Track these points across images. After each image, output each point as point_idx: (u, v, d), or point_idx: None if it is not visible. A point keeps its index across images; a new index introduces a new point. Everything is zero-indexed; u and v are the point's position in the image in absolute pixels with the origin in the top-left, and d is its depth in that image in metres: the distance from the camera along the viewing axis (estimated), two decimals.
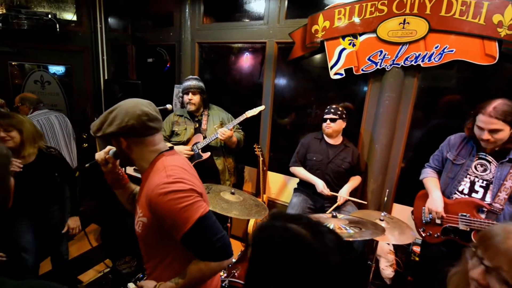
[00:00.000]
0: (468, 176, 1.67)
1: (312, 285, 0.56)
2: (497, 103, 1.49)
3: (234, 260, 1.99)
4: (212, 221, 1.01)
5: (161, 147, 1.11)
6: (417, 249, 2.27)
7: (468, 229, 1.62)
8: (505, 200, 1.53)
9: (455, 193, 1.71)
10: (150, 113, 1.06)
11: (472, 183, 1.66)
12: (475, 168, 1.65)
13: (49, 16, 3.00)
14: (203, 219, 0.98)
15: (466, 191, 1.68)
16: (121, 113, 1.02)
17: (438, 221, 1.73)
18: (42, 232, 2.10)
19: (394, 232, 1.67)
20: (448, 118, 2.30)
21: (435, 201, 1.72)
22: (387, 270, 2.24)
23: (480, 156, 1.64)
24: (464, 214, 1.64)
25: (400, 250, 2.33)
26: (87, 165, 1.22)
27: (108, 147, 1.17)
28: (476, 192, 1.64)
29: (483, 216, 1.59)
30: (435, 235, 1.75)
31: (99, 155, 1.17)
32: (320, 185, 2.23)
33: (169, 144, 2.41)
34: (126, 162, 1.15)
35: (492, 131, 1.50)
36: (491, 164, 1.61)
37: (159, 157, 1.08)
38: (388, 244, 2.35)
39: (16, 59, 3.26)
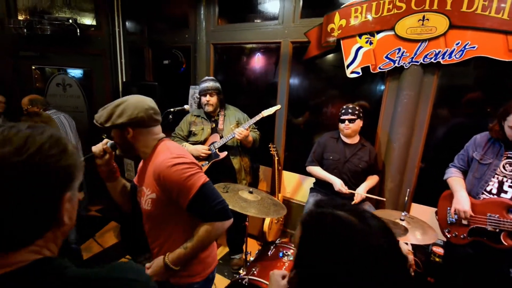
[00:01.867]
0: (496, 176, 1.64)
1: (362, 268, 0.60)
2: None
3: (252, 258, 2.01)
4: (212, 188, 1.18)
5: (161, 135, 1.26)
6: (437, 249, 2.23)
7: (497, 230, 1.58)
8: None
9: (483, 193, 1.67)
10: (155, 107, 1.21)
11: (501, 183, 1.62)
12: (504, 167, 1.62)
13: (70, 21, 3.11)
14: (205, 186, 1.14)
15: (494, 191, 1.64)
16: (130, 107, 1.14)
17: (464, 222, 1.69)
18: None
19: (415, 232, 1.65)
20: (469, 117, 2.24)
21: (462, 201, 1.69)
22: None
23: (508, 155, 1.61)
24: (493, 214, 1.60)
25: (419, 251, 2.29)
26: (81, 159, 1.26)
27: (105, 140, 1.26)
28: (505, 192, 1.61)
29: None
30: (461, 236, 1.72)
31: (97, 147, 1.25)
32: (338, 184, 2.22)
33: (189, 146, 2.46)
34: (129, 151, 1.24)
35: None
36: None
37: (160, 142, 1.23)
38: (407, 244, 2.32)
39: (39, 63, 3.41)
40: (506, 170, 1.61)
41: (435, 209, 1.97)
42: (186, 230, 1.20)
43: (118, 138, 1.19)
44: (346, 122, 2.26)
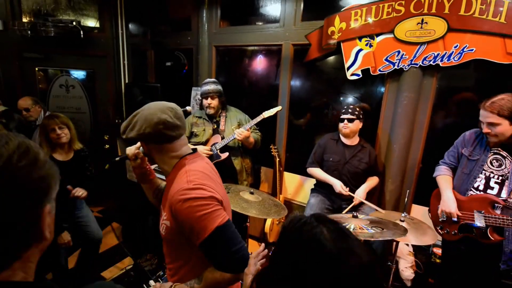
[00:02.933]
0: (483, 171, 1.68)
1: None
2: (496, 98, 1.56)
3: None
4: (231, 231, 0.99)
5: (183, 152, 1.11)
6: (437, 250, 2.24)
7: (484, 226, 1.61)
8: None
9: (471, 190, 1.71)
10: (168, 121, 1.04)
11: (487, 179, 1.67)
12: (491, 163, 1.66)
13: (74, 23, 3.14)
14: (221, 229, 0.96)
15: (481, 187, 1.68)
16: (141, 119, 1.04)
17: (454, 219, 1.73)
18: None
19: (416, 233, 1.67)
20: (468, 118, 2.26)
21: (448, 203, 1.73)
22: (406, 271, 2.23)
23: (494, 151, 1.65)
24: (480, 210, 1.64)
25: (420, 252, 2.31)
26: (117, 158, 1.29)
27: (138, 144, 1.20)
28: (492, 188, 1.65)
29: (498, 212, 1.59)
30: (453, 233, 1.76)
31: (130, 150, 1.22)
32: (338, 185, 2.24)
33: (192, 147, 2.49)
34: (153, 162, 1.20)
35: (490, 125, 1.56)
36: (506, 159, 1.62)
37: (182, 161, 1.09)
38: (408, 245, 2.34)
39: (43, 64, 3.44)
40: (493, 166, 1.66)
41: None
42: (205, 262, 1.04)
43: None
44: (345, 121, 2.29)
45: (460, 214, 1.70)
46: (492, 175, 1.66)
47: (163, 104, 1.09)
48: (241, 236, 1.05)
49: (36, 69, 3.43)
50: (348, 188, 2.25)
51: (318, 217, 0.69)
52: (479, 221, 1.61)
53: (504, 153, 1.63)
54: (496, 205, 1.59)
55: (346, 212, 2.19)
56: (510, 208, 1.56)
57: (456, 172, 1.84)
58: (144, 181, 1.32)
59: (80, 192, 2.11)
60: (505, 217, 1.54)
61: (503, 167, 1.62)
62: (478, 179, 1.70)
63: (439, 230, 1.85)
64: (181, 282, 1.10)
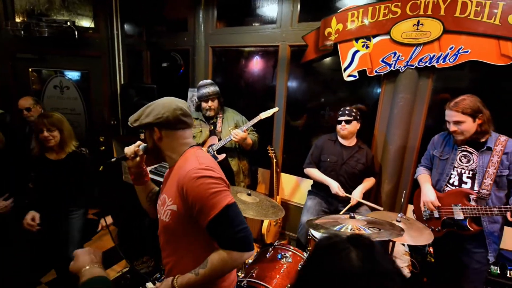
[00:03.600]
0: (455, 168, 1.81)
1: None
2: (459, 99, 1.71)
3: (250, 261, 2.01)
4: (237, 212, 1.05)
5: (191, 141, 1.20)
6: (432, 250, 2.26)
7: (463, 218, 1.74)
8: (490, 186, 1.67)
9: (447, 186, 1.84)
10: (184, 109, 1.15)
11: (460, 175, 1.80)
12: (460, 160, 1.79)
13: (68, 23, 3.11)
14: (229, 207, 1.01)
15: (456, 183, 1.81)
16: (158, 107, 1.12)
17: (436, 215, 1.85)
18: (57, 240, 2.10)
19: (412, 233, 1.68)
20: None
21: (427, 193, 1.87)
22: (402, 271, 2.24)
23: (461, 149, 1.79)
24: (457, 204, 1.76)
25: (415, 251, 2.32)
26: (113, 159, 1.28)
27: (138, 142, 1.24)
28: (465, 183, 1.78)
29: (473, 203, 1.71)
30: (437, 229, 1.85)
31: (129, 149, 1.23)
32: (335, 187, 2.25)
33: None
34: (157, 155, 1.21)
35: (456, 123, 1.70)
36: (473, 154, 1.75)
37: (190, 149, 1.16)
38: (403, 245, 2.35)
39: (37, 65, 3.40)
40: (462, 163, 1.79)
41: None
42: (207, 251, 1.07)
43: (148, 140, 1.18)
44: (343, 123, 2.30)
45: (439, 204, 1.83)
46: (463, 171, 1.79)
47: (175, 98, 1.18)
48: None
49: (30, 69, 3.39)
50: (344, 189, 2.26)
51: (352, 238, 0.67)
52: (458, 214, 1.75)
53: (470, 149, 1.77)
54: (471, 197, 1.72)
55: (343, 213, 2.20)
56: (483, 198, 1.69)
57: (432, 172, 2.00)
58: (140, 182, 1.33)
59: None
60: (479, 207, 1.68)
61: (471, 162, 1.76)
62: (452, 176, 1.83)
63: None
64: (183, 273, 1.09)
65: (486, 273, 1.82)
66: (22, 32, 3.03)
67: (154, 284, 1.83)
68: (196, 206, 1.02)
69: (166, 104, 1.12)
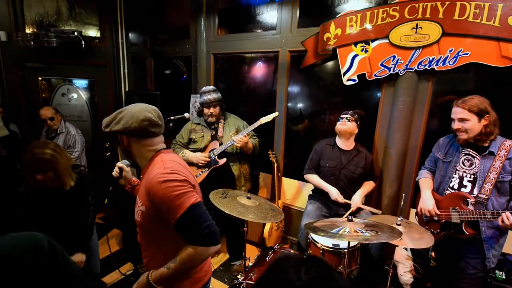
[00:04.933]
0: (457, 172, 1.80)
1: None
2: (469, 97, 1.70)
3: (251, 264, 2.02)
4: (203, 210, 1.12)
5: (159, 147, 1.25)
6: (434, 254, 2.22)
7: (459, 221, 1.73)
8: (490, 191, 1.65)
9: (447, 189, 1.83)
10: (152, 119, 1.19)
11: (461, 179, 1.78)
12: (463, 163, 1.78)
13: (75, 33, 3.22)
14: (194, 207, 1.09)
15: (456, 186, 1.80)
16: (127, 115, 1.17)
17: (436, 218, 1.83)
18: None
19: (412, 237, 1.66)
20: None
21: (425, 201, 1.87)
22: (405, 276, 2.21)
23: (465, 152, 1.78)
24: (454, 207, 1.74)
25: (418, 256, 2.29)
26: (110, 188, 1.39)
27: (118, 163, 1.35)
28: (465, 186, 1.77)
29: (471, 207, 1.69)
30: (435, 232, 1.84)
31: (115, 171, 1.35)
32: (334, 193, 2.25)
33: (190, 153, 2.50)
34: (130, 159, 1.30)
35: (461, 120, 1.69)
36: (475, 158, 1.73)
37: (157, 154, 1.23)
38: (406, 249, 2.32)
39: (45, 74, 3.51)
40: (465, 166, 1.78)
41: None
42: (178, 247, 1.14)
43: (120, 144, 1.24)
44: (344, 119, 2.31)
45: (438, 212, 1.81)
46: (465, 174, 1.77)
47: (147, 105, 1.24)
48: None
49: (39, 78, 3.50)
50: (343, 193, 2.26)
51: (302, 258, 0.63)
52: (455, 218, 1.74)
53: (473, 153, 1.75)
54: (468, 200, 1.70)
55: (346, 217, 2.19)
56: (480, 202, 1.67)
57: (435, 175, 1.98)
58: (136, 193, 1.41)
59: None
60: (474, 211, 1.67)
61: (473, 166, 1.74)
62: (453, 179, 1.82)
63: None
64: (158, 268, 1.17)
65: (483, 279, 1.78)
66: (32, 42, 3.15)
67: None
68: (163, 207, 1.09)
69: (135, 114, 1.16)
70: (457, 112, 1.71)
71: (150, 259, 1.26)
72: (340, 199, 2.23)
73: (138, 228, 1.28)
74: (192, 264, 1.14)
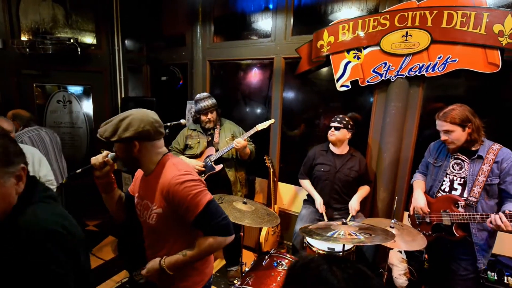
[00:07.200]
0: (447, 175, 1.85)
1: None
2: (448, 108, 1.75)
3: (247, 269, 2.03)
4: (217, 205, 1.22)
5: (164, 150, 1.29)
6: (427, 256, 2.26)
7: (450, 223, 1.77)
8: (479, 193, 1.69)
9: (439, 192, 1.88)
10: (159, 120, 1.24)
11: (452, 182, 1.83)
12: (453, 167, 1.83)
13: (71, 40, 3.24)
14: (211, 203, 1.18)
15: (447, 189, 1.85)
16: (136, 120, 1.15)
17: (427, 220, 1.88)
18: None
19: (405, 239, 1.70)
20: None
21: (417, 199, 1.91)
22: (400, 278, 2.23)
23: (454, 156, 1.83)
24: (445, 210, 1.79)
25: (413, 258, 2.32)
26: (78, 170, 1.25)
27: (106, 152, 1.26)
28: (455, 189, 1.82)
29: (461, 210, 1.74)
30: (427, 234, 1.87)
31: (96, 159, 1.24)
32: (317, 201, 2.35)
33: (187, 159, 2.49)
34: (132, 165, 1.25)
35: (446, 132, 1.75)
36: (465, 162, 1.78)
37: (165, 157, 1.26)
38: (401, 252, 2.35)
39: (41, 81, 3.51)
40: (454, 170, 1.83)
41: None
42: (188, 246, 1.22)
43: (123, 152, 1.20)
44: (332, 129, 2.35)
45: (428, 210, 1.86)
46: (455, 178, 1.82)
47: (144, 109, 1.24)
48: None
49: (34, 85, 3.51)
50: (324, 207, 2.34)
51: (327, 257, 0.63)
52: (446, 220, 1.78)
53: (463, 157, 1.80)
54: (459, 203, 1.75)
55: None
56: (470, 205, 1.71)
57: (427, 179, 2.04)
58: (109, 191, 1.35)
59: None
60: (464, 213, 1.71)
61: (463, 169, 1.79)
62: (444, 182, 1.86)
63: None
64: None
65: (474, 281, 1.81)
66: (27, 49, 3.16)
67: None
68: (183, 206, 1.16)
69: (144, 118, 1.17)
70: (441, 125, 1.77)
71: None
72: (320, 209, 2.31)
73: (149, 231, 1.31)
74: (209, 253, 1.25)
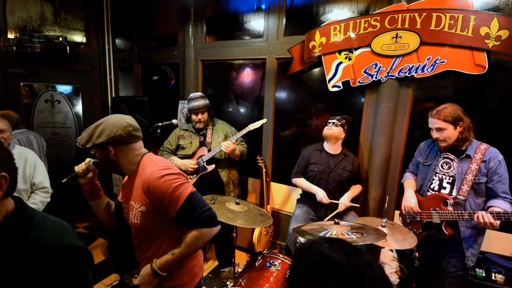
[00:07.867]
0: (436, 174, 1.89)
1: None
2: (441, 107, 1.79)
3: (240, 270, 2.02)
4: (200, 197, 1.22)
5: (143, 151, 1.30)
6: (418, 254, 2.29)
7: (440, 221, 1.81)
8: (467, 192, 1.73)
9: (428, 191, 1.92)
10: (134, 124, 1.24)
11: (441, 181, 1.87)
12: (442, 166, 1.87)
13: (60, 39, 3.17)
14: (192, 195, 1.18)
15: (436, 188, 1.89)
16: (108, 126, 1.18)
17: (418, 218, 1.91)
18: None
19: (396, 238, 1.72)
20: None
21: (408, 199, 1.95)
22: (391, 277, 2.26)
23: (443, 155, 1.87)
24: (435, 208, 1.83)
25: (403, 257, 2.35)
26: (64, 180, 1.26)
27: (88, 159, 1.26)
28: (444, 188, 1.86)
29: (450, 208, 1.78)
30: (418, 232, 1.91)
31: (79, 167, 1.25)
32: (320, 194, 2.30)
33: (179, 160, 2.47)
34: (113, 168, 1.26)
35: (438, 130, 1.79)
36: (453, 161, 1.83)
37: (145, 157, 1.27)
38: (392, 251, 2.38)
39: (28, 80, 3.43)
40: (443, 169, 1.87)
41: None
42: (176, 244, 1.22)
43: (101, 157, 1.22)
44: (330, 124, 2.37)
45: (419, 210, 1.89)
46: (444, 176, 1.86)
47: (121, 114, 1.27)
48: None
49: (21, 84, 3.42)
50: (332, 196, 2.31)
51: (327, 238, 0.73)
52: (435, 218, 1.82)
53: (451, 156, 1.85)
54: (448, 201, 1.79)
55: (329, 219, 2.24)
56: (459, 203, 1.76)
57: (417, 178, 2.08)
58: (95, 198, 1.34)
59: None
60: (453, 212, 1.75)
61: (452, 168, 1.83)
62: (433, 181, 1.90)
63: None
64: None
65: (462, 277, 1.85)
66: (14, 48, 3.08)
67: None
68: (164, 200, 1.15)
69: (116, 123, 1.19)
70: (433, 122, 1.80)
71: (148, 261, 1.26)
72: (325, 200, 2.28)
73: (136, 232, 1.30)
74: (196, 246, 1.23)
